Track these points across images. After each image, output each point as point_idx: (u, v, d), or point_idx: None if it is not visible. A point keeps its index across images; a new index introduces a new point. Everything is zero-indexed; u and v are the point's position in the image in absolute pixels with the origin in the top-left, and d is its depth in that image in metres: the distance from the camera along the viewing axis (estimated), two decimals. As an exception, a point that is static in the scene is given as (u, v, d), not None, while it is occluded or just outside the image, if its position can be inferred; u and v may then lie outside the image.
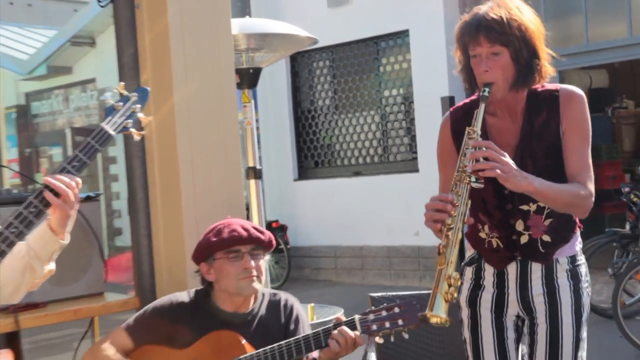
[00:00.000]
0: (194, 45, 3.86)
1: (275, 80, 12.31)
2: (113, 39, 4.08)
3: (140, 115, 2.53)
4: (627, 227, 8.49)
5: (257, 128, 4.81)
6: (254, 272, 3.14)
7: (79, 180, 2.39)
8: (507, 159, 2.66)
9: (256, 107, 4.79)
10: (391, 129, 11.91)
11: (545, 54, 2.88)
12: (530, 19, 2.84)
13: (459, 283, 2.66)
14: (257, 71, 4.70)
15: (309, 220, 12.31)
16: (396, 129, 11.85)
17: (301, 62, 12.42)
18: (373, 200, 11.55)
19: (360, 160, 12.19)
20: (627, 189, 8.51)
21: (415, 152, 11.34)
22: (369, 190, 11.72)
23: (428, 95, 10.85)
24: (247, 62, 4.62)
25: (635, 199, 8.42)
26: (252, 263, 3.14)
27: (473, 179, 2.66)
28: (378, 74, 11.97)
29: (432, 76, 10.90)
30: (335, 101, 12.42)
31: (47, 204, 2.34)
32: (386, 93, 11.91)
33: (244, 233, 3.16)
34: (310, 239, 12.31)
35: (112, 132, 2.45)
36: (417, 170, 11.10)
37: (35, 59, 15.11)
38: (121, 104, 2.51)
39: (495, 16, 2.78)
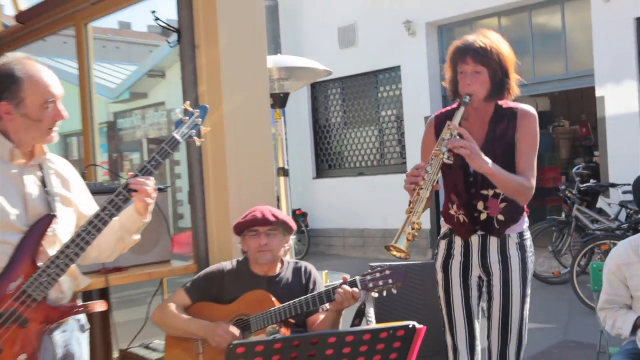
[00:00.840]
0: (239, 76, 3.84)
1: (300, 102, 12.29)
2: (178, 71, 4.11)
3: (201, 126, 2.54)
4: (563, 215, 8.48)
5: (286, 139, 4.87)
6: (268, 248, 3.12)
7: (153, 179, 2.42)
8: (475, 144, 2.71)
9: (285, 123, 4.85)
10: (386, 141, 11.86)
11: (514, 77, 2.90)
12: (506, 50, 2.89)
13: (420, 227, 2.67)
14: (286, 95, 4.69)
15: (324, 209, 12.29)
16: (390, 140, 11.79)
17: (319, 89, 12.39)
18: (372, 194, 11.51)
19: (363, 164, 12.16)
20: (563, 187, 8.50)
21: (405, 158, 11.30)
22: (369, 187, 11.70)
23: (415, 115, 10.91)
24: (279, 88, 4.62)
25: (569, 195, 8.40)
26: (266, 240, 3.11)
27: (446, 156, 2.69)
28: (377, 99, 11.91)
29: (418, 101, 10.92)
30: (344, 119, 12.37)
31: (130, 194, 2.36)
32: (383, 113, 11.86)
33: (260, 216, 3.13)
34: (324, 223, 12.29)
35: (180, 139, 2.48)
36: (405, 171, 11.08)
37: (121, 87, 15.42)
38: (187, 118, 2.52)
39: (481, 43, 2.83)
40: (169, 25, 4.19)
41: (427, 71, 10.84)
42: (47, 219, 2.37)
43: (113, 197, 2.36)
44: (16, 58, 2.41)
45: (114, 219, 2.41)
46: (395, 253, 2.67)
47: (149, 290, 4.25)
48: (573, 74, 9.68)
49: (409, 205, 2.73)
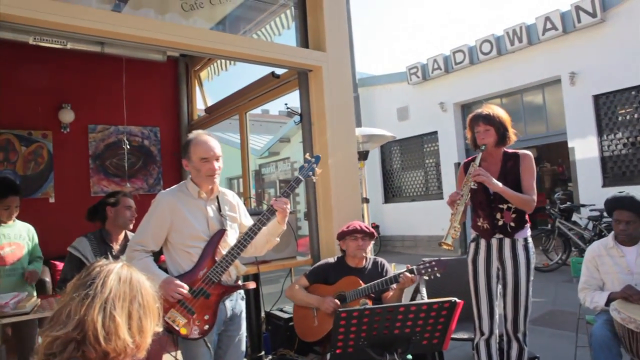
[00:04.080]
0: (338, 141, 3.85)
1: (374, 156, 12.29)
2: (298, 138, 4.18)
3: (316, 169, 2.55)
4: (549, 226, 8.20)
5: (366, 179, 4.89)
6: (362, 247, 3.09)
7: (286, 199, 2.44)
8: (489, 175, 2.75)
9: (365, 169, 4.85)
10: (429, 178, 11.67)
11: (512, 130, 2.90)
12: (503, 114, 2.92)
13: (460, 230, 2.66)
14: (367, 152, 4.62)
15: (390, 223, 12.17)
16: (431, 178, 11.59)
17: (385, 147, 12.36)
18: (420, 213, 11.38)
19: (415, 193, 11.98)
20: (548, 207, 8.21)
21: (442, 190, 11.09)
22: (418, 208, 11.56)
23: (447, 162, 10.81)
24: (362, 147, 4.55)
25: (552, 212, 8.13)
26: (362, 242, 3.08)
27: (472, 183, 2.74)
28: (423, 152, 11.76)
29: (449, 153, 10.79)
30: (401, 165, 12.25)
31: (273, 213, 2.41)
32: (427, 161, 11.71)
33: (359, 227, 3.09)
34: (390, 232, 12.14)
35: (302, 178, 2.50)
36: (442, 198, 10.85)
37: (263, 149, 15.70)
38: (307, 164, 2.53)
39: (487, 111, 2.89)
40: (294, 111, 4.23)
41: (455, 134, 10.76)
42: (221, 232, 2.40)
43: (261, 216, 2.39)
44: (196, 132, 2.48)
45: (263, 229, 2.43)
46: (444, 247, 2.64)
47: (283, 274, 4.24)
48: (552, 132, 9.36)
49: (451, 215, 2.71)
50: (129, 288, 1.25)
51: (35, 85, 5.14)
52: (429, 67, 11.04)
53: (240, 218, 2.61)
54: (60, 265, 4.16)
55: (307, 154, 2.64)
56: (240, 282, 2.54)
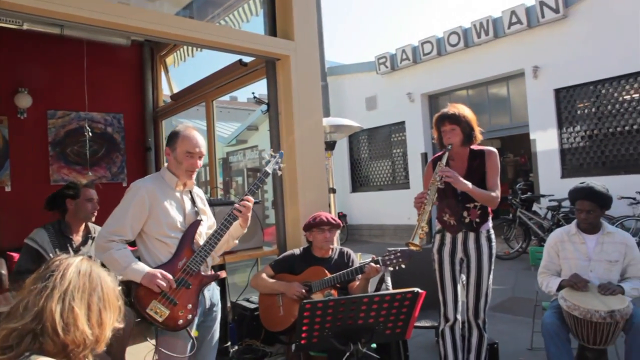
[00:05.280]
0: (305, 131, 3.82)
1: (341, 146, 12.32)
2: (266, 126, 4.02)
3: (281, 164, 2.60)
4: (510, 216, 8.44)
5: (332, 169, 4.83)
6: (329, 239, 3.11)
7: (251, 198, 2.45)
8: (456, 174, 2.76)
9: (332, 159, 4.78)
10: (396, 168, 11.78)
11: (477, 129, 2.93)
12: (469, 113, 2.93)
13: (426, 230, 2.64)
14: (334, 142, 4.60)
15: (357, 212, 12.24)
16: (398, 168, 11.71)
17: (353, 137, 12.39)
18: (387, 202, 11.49)
19: (382, 183, 12.09)
20: (510, 197, 8.44)
21: (408, 179, 11.24)
22: (385, 197, 11.65)
23: (414, 152, 10.91)
24: (329, 138, 4.52)
25: (514, 202, 8.39)
26: (329, 235, 3.10)
27: (439, 183, 2.74)
28: (390, 142, 11.86)
29: (416, 143, 10.91)
30: (369, 155, 12.32)
31: (235, 217, 2.42)
32: (394, 151, 11.80)
33: (325, 219, 3.09)
34: (357, 221, 12.21)
35: (269, 172, 2.54)
36: (409, 188, 11.06)
37: (231, 136, 15.36)
38: (272, 158, 2.56)
39: (452, 111, 2.89)
40: (262, 100, 4.20)
41: (422, 124, 10.88)
42: (197, 223, 2.42)
43: (227, 216, 2.40)
44: (185, 124, 2.48)
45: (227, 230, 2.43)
46: (412, 247, 2.64)
47: (249, 264, 4.22)
48: (515, 124, 9.59)
49: (418, 216, 2.70)
50: (89, 281, 1.25)
51: (-11, 68, 4.92)
52: (398, 57, 11.10)
53: (207, 212, 2.62)
54: (17, 257, 4.01)
55: (272, 148, 2.65)
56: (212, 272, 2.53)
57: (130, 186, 2.37)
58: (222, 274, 2.52)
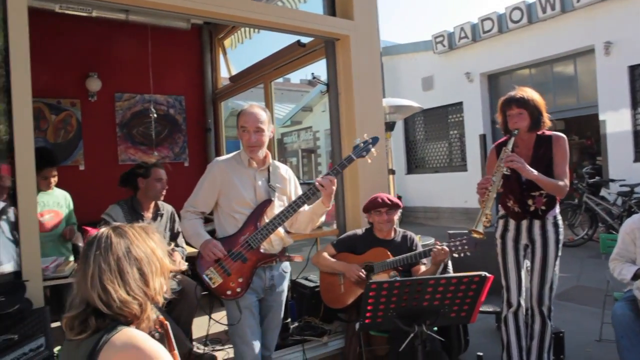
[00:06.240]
0: (365, 111, 3.77)
1: (397, 126, 12.23)
2: (320, 107, 3.98)
3: (372, 150, 2.51)
4: (575, 201, 8.08)
5: (391, 150, 4.73)
6: (388, 220, 3.06)
7: (333, 178, 2.42)
8: (523, 161, 2.66)
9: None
10: (453, 150, 11.55)
11: (546, 114, 2.82)
12: (537, 97, 2.81)
13: (490, 217, 2.58)
14: (393, 123, 4.55)
15: (412, 194, 12.11)
16: (455, 149, 11.49)
17: (409, 118, 12.16)
18: (443, 184, 11.30)
19: (438, 165, 11.88)
20: (576, 182, 8.12)
21: (465, 161, 10.99)
22: (441, 179, 11.47)
23: (472, 133, 10.68)
24: (389, 118, 4.44)
25: (579, 186, 8.02)
26: (386, 217, 3.06)
27: (504, 169, 2.66)
28: (447, 123, 11.60)
29: (474, 124, 10.64)
30: (425, 136, 12.13)
31: (318, 191, 2.40)
32: (451, 132, 11.56)
33: (381, 200, 3.06)
34: (412, 203, 12.10)
35: (354, 157, 2.48)
36: (466, 170, 10.81)
37: (285, 117, 15.58)
38: (362, 144, 2.50)
39: (521, 95, 2.78)
40: (321, 81, 4.14)
41: (481, 105, 10.55)
42: (267, 202, 2.48)
43: (306, 191, 2.41)
44: (249, 104, 2.53)
45: (307, 207, 2.48)
46: (475, 235, 2.59)
47: (308, 243, 4.20)
48: (582, 104, 9.10)
49: (482, 203, 2.64)
50: (111, 252, 1.26)
51: (62, 54, 5.20)
52: (456, 35, 10.76)
53: (290, 192, 2.66)
54: (92, 231, 4.27)
55: (365, 134, 2.62)
56: (287, 254, 2.63)
57: (210, 163, 2.56)
58: (295, 257, 2.62)
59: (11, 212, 2.18)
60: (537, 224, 2.86)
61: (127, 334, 1.19)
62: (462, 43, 10.69)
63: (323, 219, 2.66)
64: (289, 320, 3.45)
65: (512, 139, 2.77)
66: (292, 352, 3.25)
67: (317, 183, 2.40)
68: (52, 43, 5.09)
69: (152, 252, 1.32)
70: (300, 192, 2.65)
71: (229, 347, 3.33)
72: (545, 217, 2.84)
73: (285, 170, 2.68)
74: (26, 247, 2.25)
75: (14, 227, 2.20)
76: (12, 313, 2.01)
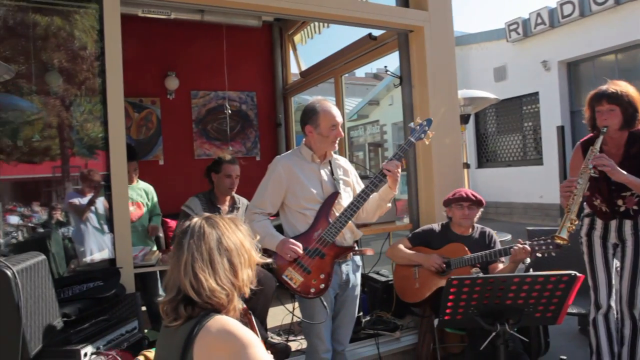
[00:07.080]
0: (439, 104, 3.69)
1: (471, 119, 11.95)
2: (388, 101, 3.91)
3: (428, 132, 2.52)
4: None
5: (466, 143, 4.53)
6: (468, 217, 3.00)
7: (398, 163, 2.40)
8: (613, 163, 2.49)
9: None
10: (527, 143, 11.06)
11: None
12: (633, 92, 2.60)
13: (576, 222, 2.46)
14: (467, 116, 4.46)
15: (483, 188, 11.71)
16: (530, 143, 10.98)
17: (480, 111, 11.77)
18: (516, 179, 10.87)
19: (511, 159, 11.43)
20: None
21: (541, 155, 10.47)
22: (514, 174, 11.03)
23: (549, 125, 10.10)
24: (463, 111, 4.35)
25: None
26: (468, 212, 2.99)
27: (592, 171, 2.49)
28: (521, 115, 11.12)
29: (552, 115, 10.07)
30: (497, 128, 11.72)
31: (385, 177, 2.41)
32: (525, 124, 11.07)
33: (465, 195, 3.00)
34: (484, 198, 11.80)
35: (414, 140, 2.48)
36: (541, 164, 10.30)
37: (352, 111, 15.49)
38: (418, 127, 2.50)
39: (612, 89, 2.59)
40: (394, 74, 4.06)
41: (559, 94, 9.97)
42: (335, 194, 2.47)
43: (373, 179, 2.40)
44: (317, 99, 2.53)
45: (374, 193, 2.46)
46: (559, 241, 2.48)
47: (380, 238, 4.12)
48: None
49: (566, 207, 2.50)
50: (203, 241, 1.30)
51: (144, 55, 5.49)
52: (532, 22, 10.25)
53: (353, 183, 2.66)
54: (170, 222, 4.52)
55: (418, 117, 2.60)
56: (356, 247, 2.59)
57: (272, 162, 2.52)
58: (367, 250, 2.58)
59: (101, 204, 2.32)
60: (628, 223, 2.68)
61: (221, 320, 1.24)
62: (539, 30, 10.16)
63: (389, 205, 2.61)
64: (361, 314, 3.45)
65: (601, 137, 2.58)
66: (365, 345, 3.26)
67: (383, 169, 2.40)
68: (135, 45, 5.38)
69: (241, 244, 1.36)
70: (359, 180, 2.67)
71: (301, 338, 3.38)
72: (638, 217, 2.65)
73: (344, 161, 2.68)
74: (119, 237, 2.41)
75: (106, 218, 2.34)
76: (110, 297, 2.16)
